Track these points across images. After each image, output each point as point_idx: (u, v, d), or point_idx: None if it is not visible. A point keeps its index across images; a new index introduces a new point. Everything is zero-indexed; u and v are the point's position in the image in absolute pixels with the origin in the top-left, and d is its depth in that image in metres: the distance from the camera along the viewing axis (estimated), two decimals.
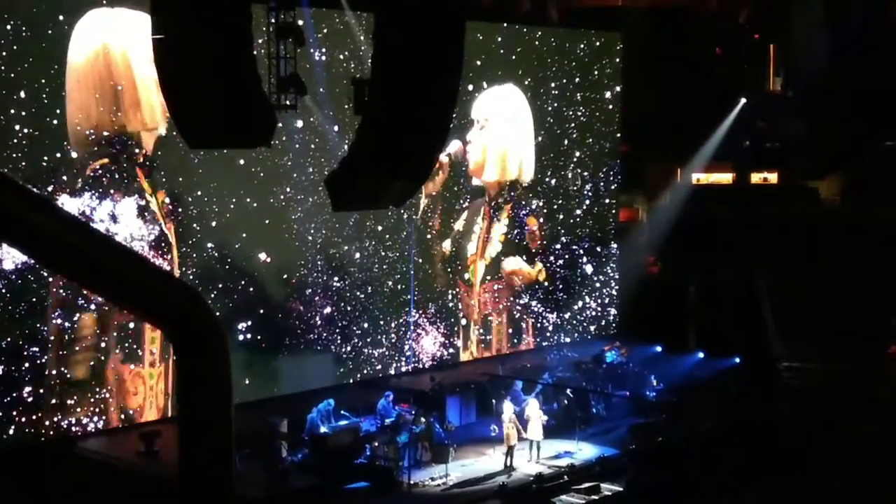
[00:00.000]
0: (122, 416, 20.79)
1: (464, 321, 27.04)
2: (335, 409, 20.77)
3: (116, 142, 20.41)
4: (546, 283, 28.91)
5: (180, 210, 21.42)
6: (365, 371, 24.76)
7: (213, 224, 21.85)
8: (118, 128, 20.45)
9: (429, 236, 26.15)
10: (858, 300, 28.20)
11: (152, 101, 20.56)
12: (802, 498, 20.27)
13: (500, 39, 27.11)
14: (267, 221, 22.77)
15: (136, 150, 20.71)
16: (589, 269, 30.13)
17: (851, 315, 27.98)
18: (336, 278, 24.17)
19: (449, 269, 26.78)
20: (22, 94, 19.11)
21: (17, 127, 19.07)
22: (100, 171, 20.20)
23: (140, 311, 11.64)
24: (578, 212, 29.75)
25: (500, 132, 27.36)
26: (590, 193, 29.97)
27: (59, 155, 19.68)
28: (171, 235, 21.31)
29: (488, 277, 27.67)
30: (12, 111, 19.03)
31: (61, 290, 19.73)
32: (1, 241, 15.65)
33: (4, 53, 18.84)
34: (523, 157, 28.06)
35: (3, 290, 19.03)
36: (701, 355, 27.44)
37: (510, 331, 28.32)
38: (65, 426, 19.86)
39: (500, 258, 27.89)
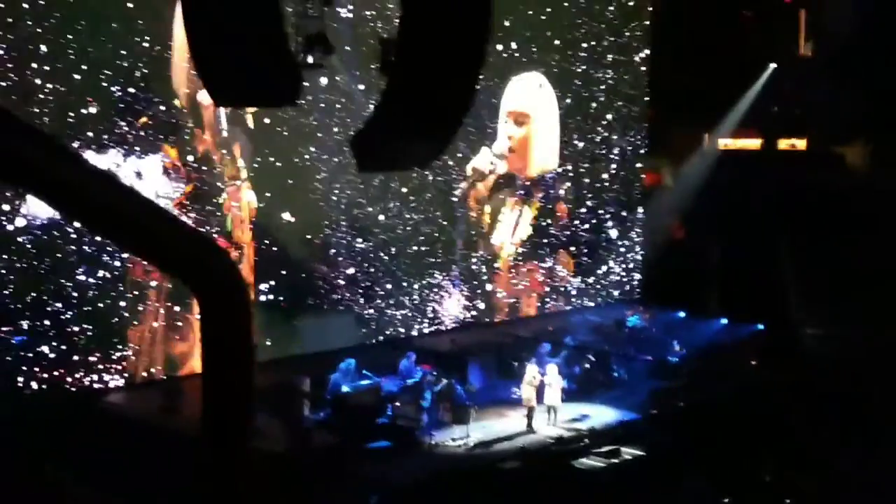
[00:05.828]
0: (145, 375, 20.86)
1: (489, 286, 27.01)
2: (357, 369, 20.81)
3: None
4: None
5: (204, 169, 21.41)
6: (387, 332, 24.79)
7: (238, 183, 21.82)
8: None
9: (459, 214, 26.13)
10: (884, 268, 27.98)
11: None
12: (821, 465, 20.25)
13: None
14: (291, 181, 22.72)
15: (162, 108, 20.68)
16: (614, 233, 30.02)
17: (877, 283, 27.78)
18: (360, 239, 24.14)
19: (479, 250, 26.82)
20: (43, 48, 19.02)
21: (39, 82, 19.03)
22: (125, 129, 20.17)
23: (165, 266, 11.63)
24: (605, 175, 29.59)
25: (533, 126, 27.27)
26: (617, 157, 29.79)
27: (84, 111, 19.66)
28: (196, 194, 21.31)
29: (512, 270, 27.54)
30: (34, 66, 18.96)
31: (86, 246, 19.78)
32: (27, 193, 15.73)
33: (27, 5, 18.75)
34: (552, 148, 27.91)
35: (29, 246, 19.09)
36: (724, 321, 27.36)
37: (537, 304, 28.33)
38: (87, 383, 19.96)
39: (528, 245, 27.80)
